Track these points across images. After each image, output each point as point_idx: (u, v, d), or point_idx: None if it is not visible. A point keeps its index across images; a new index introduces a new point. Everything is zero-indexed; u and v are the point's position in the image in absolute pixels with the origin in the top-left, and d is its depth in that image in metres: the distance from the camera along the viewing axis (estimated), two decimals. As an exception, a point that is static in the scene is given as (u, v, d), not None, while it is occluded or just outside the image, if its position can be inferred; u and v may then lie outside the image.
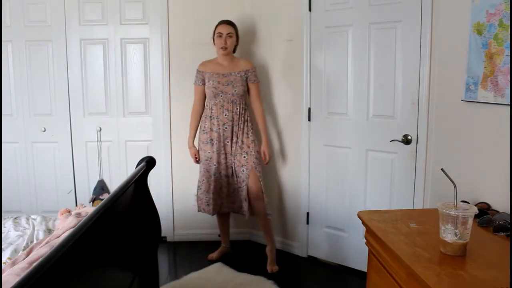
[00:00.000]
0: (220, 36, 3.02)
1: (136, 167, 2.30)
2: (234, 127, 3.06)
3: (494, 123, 1.89)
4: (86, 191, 3.66)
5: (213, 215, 3.18)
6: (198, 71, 3.12)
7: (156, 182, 3.46)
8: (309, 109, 3.15)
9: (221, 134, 3.05)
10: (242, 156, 3.05)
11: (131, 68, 3.56)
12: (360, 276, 2.88)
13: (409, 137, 2.64)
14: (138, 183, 2.29)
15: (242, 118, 3.08)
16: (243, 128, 3.08)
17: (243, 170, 3.05)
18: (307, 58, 3.10)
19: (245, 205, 3.06)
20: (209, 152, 3.07)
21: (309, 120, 3.15)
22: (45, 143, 3.63)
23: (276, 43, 3.30)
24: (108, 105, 3.59)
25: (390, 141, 2.73)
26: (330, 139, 3.06)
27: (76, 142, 3.62)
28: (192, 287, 2.83)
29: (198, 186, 3.17)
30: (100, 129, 3.60)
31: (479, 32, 1.95)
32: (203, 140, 3.10)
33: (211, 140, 3.06)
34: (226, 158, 3.08)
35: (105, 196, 3.47)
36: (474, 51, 1.98)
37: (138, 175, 2.19)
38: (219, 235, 3.50)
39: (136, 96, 3.59)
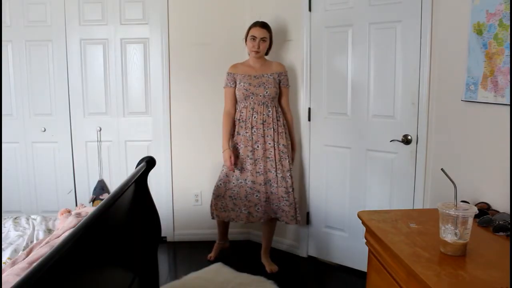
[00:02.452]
0: (254, 39, 2.94)
1: (136, 167, 2.30)
2: (266, 130, 2.95)
3: (494, 123, 1.89)
4: (86, 191, 3.66)
5: (234, 221, 3.07)
6: (229, 73, 3.04)
7: (156, 182, 3.46)
8: (309, 109, 3.15)
9: (250, 138, 2.96)
10: (268, 163, 2.97)
11: (131, 68, 3.55)
12: (360, 276, 2.88)
13: (409, 137, 2.64)
14: (138, 183, 2.29)
15: (277, 121, 2.98)
16: (279, 132, 2.97)
17: (289, 175, 2.99)
18: (307, 58, 3.10)
19: (291, 211, 2.97)
20: (231, 157, 3.00)
21: (309, 120, 3.15)
22: (45, 143, 3.63)
23: (276, 43, 3.30)
24: (108, 105, 3.59)
25: (390, 141, 2.73)
26: (330, 139, 3.06)
27: (76, 142, 3.62)
28: (192, 287, 2.83)
29: (213, 191, 3.08)
30: (100, 129, 3.60)
31: (479, 32, 1.95)
32: (231, 144, 3.03)
33: (237, 143, 3.01)
34: (255, 163, 2.96)
35: (105, 196, 3.47)
36: (474, 51, 1.98)
37: (138, 175, 2.19)
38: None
39: (136, 96, 3.59)
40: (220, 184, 3.05)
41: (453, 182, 1.45)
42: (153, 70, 3.53)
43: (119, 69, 3.55)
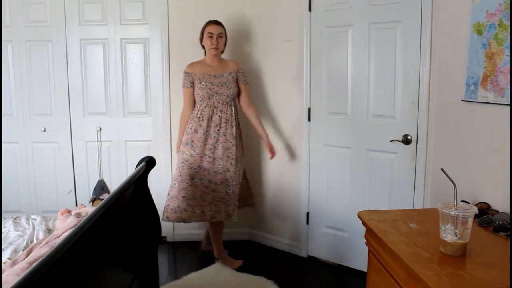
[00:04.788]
0: (211, 37, 2.98)
1: (136, 167, 2.30)
2: (229, 129, 2.99)
3: (494, 123, 1.89)
4: (86, 191, 3.66)
5: (186, 222, 3.03)
6: (186, 73, 3.03)
7: (156, 182, 3.46)
8: (309, 109, 3.15)
9: (211, 137, 2.96)
10: (229, 161, 2.99)
11: (131, 68, 3.55)
12: (360, 276, 2.88)
13: (409, 137, 2.64)
14: (138, 183, 2.29)
15: (235, 121, 3.04)
16: (233, 132, 3.01)
17: (232, 175, 2.99)
18: (307, 58, 3.10)
19: (232, 209, 2.98)
20: (186, 154, 2.97)
21: (309, 120, 3.15)
22: (45, 143, 3.63)
23: (276, 43, 3.30)
24: (108, 105, 3.59)
25: (390, 141, 2.73)
26: (330, 139, 3.06)
27: (76, 142, 3.62)
28: (192, 287, 2.83)
29: (168, 192, 3.06)
30: (100, 129, 3.60)
31: (479, 32, 1.95)
32: (184, 141, 3.00)
33: (192, 141, 2.96)
34: (213, 162, 2.96)
35: (105, 196, 3.47)
36: (474, 51, 1.98)
37: (138, 175, 2.19)
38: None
39: (136, 96, 3.59)
40: (175, 184, 3.02)
41: (453, 182, 1.45)
42: (153, 70, 3.53)
43: (119, 69, 3.55)
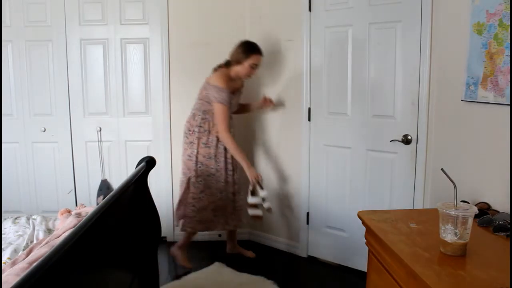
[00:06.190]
0: (254, 68, 2.98)
1: (136, 167, 2.30)
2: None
3: (494, 123, 1.89)
4: (86, 191, 3.66)
5: (209, 230, 3.15)
6: (228, 92, 2.91)
7: (156, 182, 3.46)
8: (309, 109, 3.15)
9: (228, 151, 3.02)
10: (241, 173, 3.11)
11: (131, 68, 3.56)
12: (360, 276, 2.88)
13: (409, 137, 2.64)
14: (138, 183, 2.29)
15: None
16: None
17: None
18: (307, 58, 3.10)
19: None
20: (212, 168, 3.01)
21: (309, 120, 3.15)
22: (45, 143, 3.63)
23: (276, 43, 3.30)
24: (108, 105, 3.59)
25: (390, 141, 2.73)
26: (330, 139, 3.06)
27: (76, 142, 3.62)
28: (192, 287, 2.83)
29: (193, 204, 3.00)
30: (100, 129, 3.60)
31: (479, 32, 1.95)
32: (207, 155, 3.00)
33: (215, 156, 3.00)
34: (233, 174, 3.08)
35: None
36: (474, 51, 1.98)
37: (138, 175, 2.19)
38: (219, 235, 3.51)
39: (136, 96, 3.59)
40: (202, 197, 3.02)
41: (453, 182, 1.45)
42: (153, 70, 3.53)
43: (119, 69, 3.55)
